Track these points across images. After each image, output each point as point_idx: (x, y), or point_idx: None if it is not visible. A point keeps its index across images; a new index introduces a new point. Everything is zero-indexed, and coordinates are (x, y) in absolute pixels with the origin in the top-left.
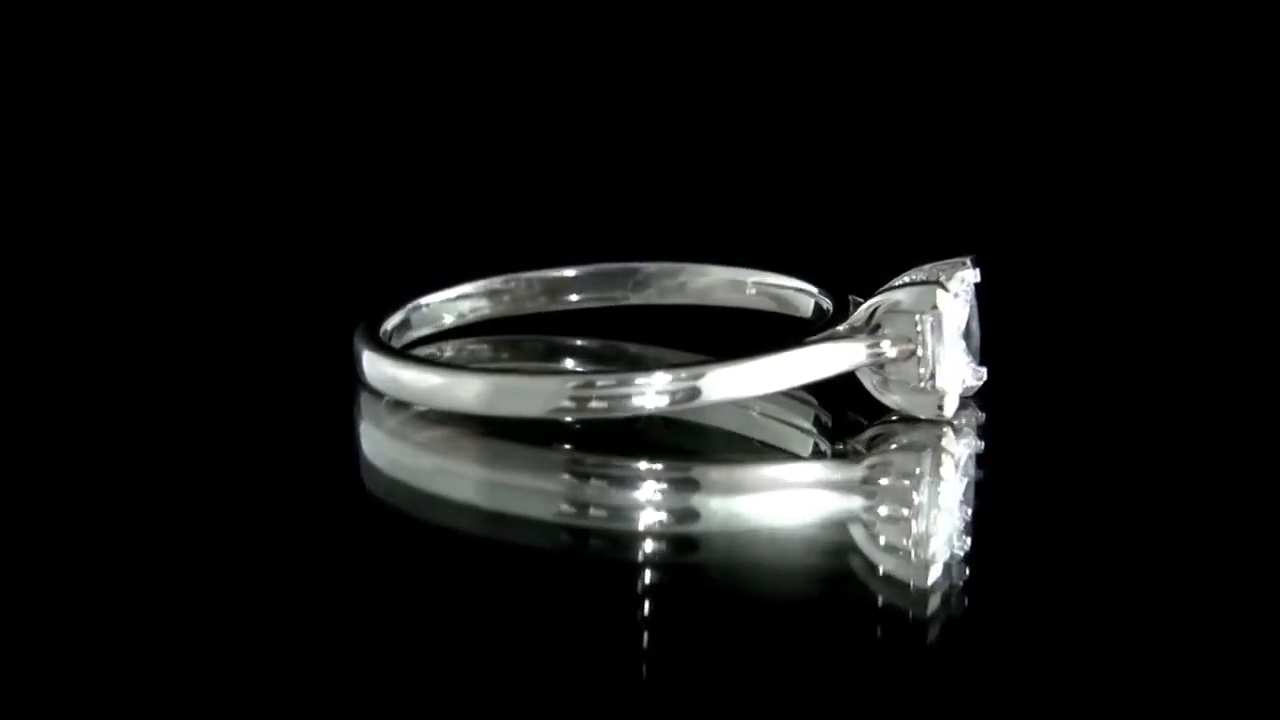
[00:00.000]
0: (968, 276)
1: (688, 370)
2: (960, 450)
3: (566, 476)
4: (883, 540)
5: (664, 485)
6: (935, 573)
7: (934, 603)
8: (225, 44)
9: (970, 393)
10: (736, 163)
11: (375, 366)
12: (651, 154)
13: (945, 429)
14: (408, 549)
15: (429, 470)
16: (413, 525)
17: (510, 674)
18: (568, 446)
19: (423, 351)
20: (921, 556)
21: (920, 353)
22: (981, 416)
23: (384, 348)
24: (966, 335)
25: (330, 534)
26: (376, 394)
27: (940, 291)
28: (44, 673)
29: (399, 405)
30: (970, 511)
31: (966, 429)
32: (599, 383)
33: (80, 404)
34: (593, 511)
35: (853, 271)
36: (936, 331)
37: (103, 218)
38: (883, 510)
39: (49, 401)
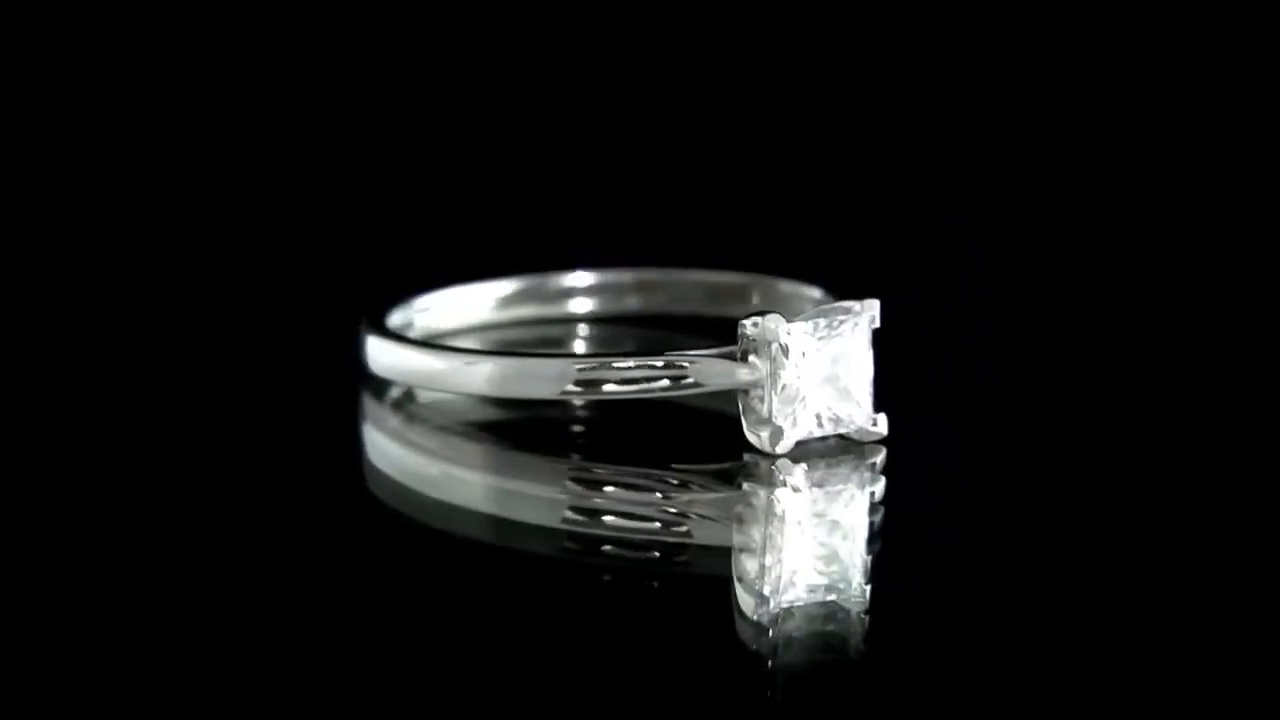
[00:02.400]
0: (859, 320)
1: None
2: (842, 493)
3: (572, 483)
4: (741, 569)
5: (667, 492)
6: (765, 610)
7: (763, 640)
8: (229, 44)
9: (868, 438)
10: (735, 164)
11: (385, 353)
12: (651, 156)
13: (853, 471)
14: (412, 555)
15: (434, 476)
16: (417, 531)
17: (513, 683)
18: (575, 453)
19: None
20: (758, 589)
21: (767, 384)
22: (879, 463)
23: (391, 334)
24: (851, 379)
25: (334, 540)
26: (381, 394)
27: (784, 324)
28: (42, 675)
29: (406, 412)
30: (863, 559)
31: (858, 474)
32: (614, 364)
33: (82, 416)
34: (599, 518)
35: (851, 273)
36: (782, 364)
37: (104, 219)
38: (744, 539)
39: (48, 403)
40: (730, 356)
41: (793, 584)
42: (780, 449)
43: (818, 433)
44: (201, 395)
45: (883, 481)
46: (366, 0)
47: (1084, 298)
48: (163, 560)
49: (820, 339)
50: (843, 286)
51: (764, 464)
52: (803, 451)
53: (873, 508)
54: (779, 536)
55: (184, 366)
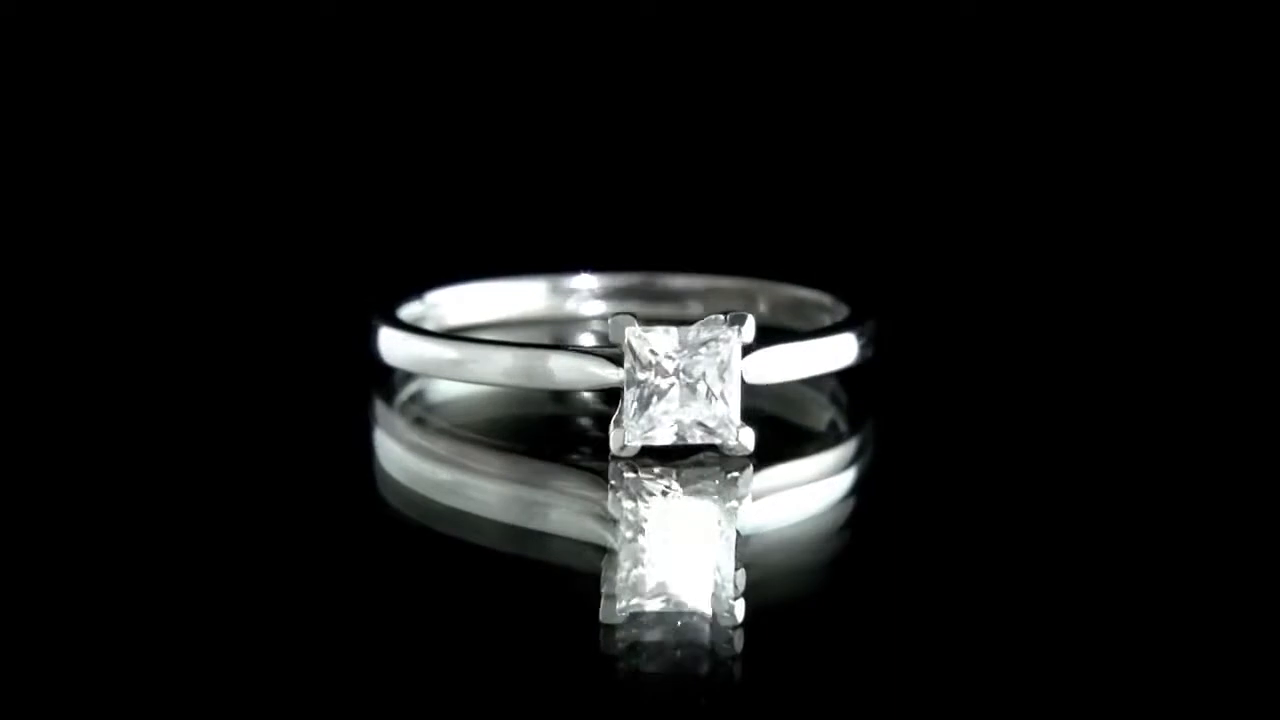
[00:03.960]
0: (729, 335)
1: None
2: (696, 506)
3: (586, 490)
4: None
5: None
6: (612, 613)
7: (611, 642)
8: (240, 46)
9: (735, 452)
10: (736, 167)
11: (399, 344)
12: (652, 159)
13: (714, 481)
14: (424, 563)
15: (446, 483)
16: (429, 538)
17: (525, 691)
18: (586, 451)
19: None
20: (605, 590)
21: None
22: (744, 475)
23: (406, 326)
24: (718, 391)
25: (345, 548)
26: (391, 398)
27: (634, 327)
28: (44, 681)
29: (413, 415)
30: (714, 572)
31: (718, 485)
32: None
33: (93, 427)
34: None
35: (852, 277)
36: (634, 367)
37: (110, 223)
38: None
39: (52, 406)
40: (615, 359)
41: (639, 589)
42: (623, 452)
43: (686, 440)
44: (210, 397)
45: (750, 495)
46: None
47: (1084, 301)
48: (171, 569)
49: (684, 348)
50: (852, 294)
51: (636, 468)
52: (670, 459)
53: (732, 517)
54: (626, 541)
55: (192, 374)
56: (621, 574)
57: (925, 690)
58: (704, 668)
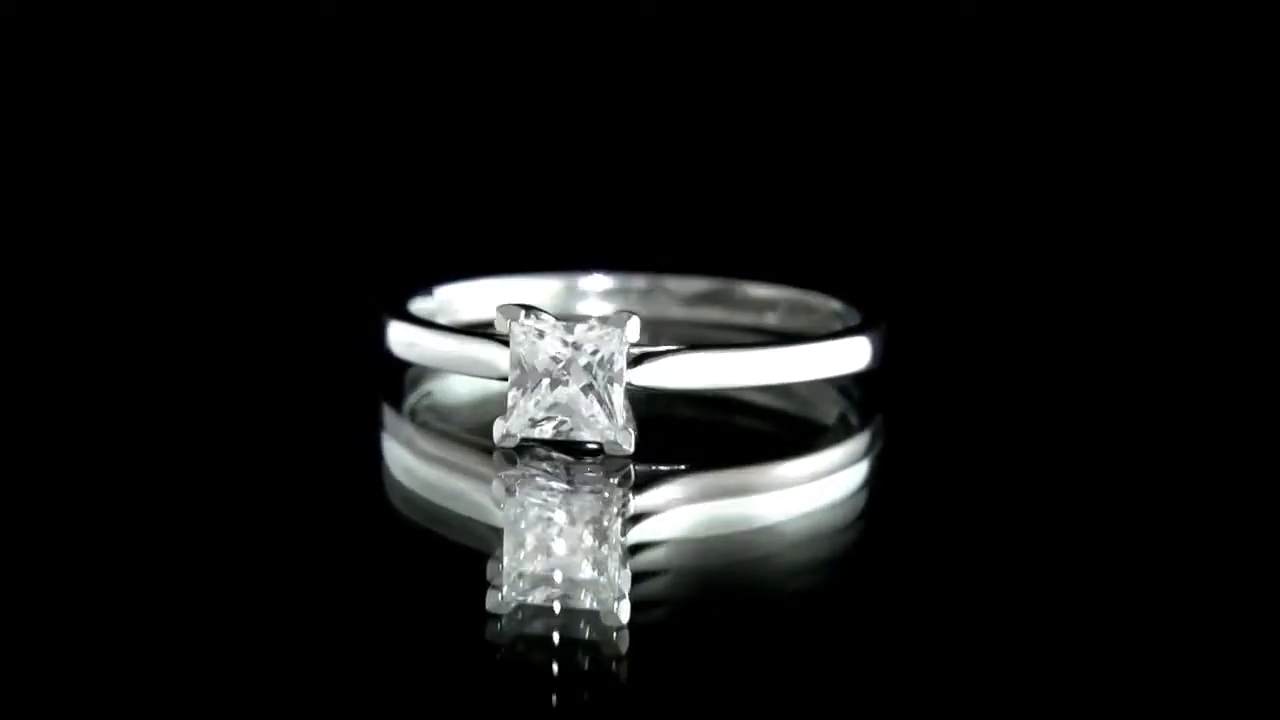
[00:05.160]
0: (611, 334)
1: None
2: (577, 501)
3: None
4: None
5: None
6: (496, 602)
7: (495, 629)
8: (246, 43)
9: (616, 451)
10: (737, 170)
11: (410, 337)
12: (655, 160)
13: (595, 478)
14: (430, 568)
15: (454, 489)
16: (436, 544)
17: (528, 692)
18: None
19: None
20: (491, 580)
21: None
22: (627, 474)
23: (416, 319)
24: (602, 391)
25: (352, 553)
26: (399, 403)
27: (513, 323)
28: (44, 689)
29: (420, 419)
30: (584, 569)
31: (603, 484)
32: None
33: (103, 424)
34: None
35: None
36: (516, 357)
37: (117, 222)
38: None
39: (55, 416)
40: (492, 339)
41: (526, 580)
42: (504, 443)
43: (568, 436)
44: (216, 396)
45: (631, 495)
46: (401, 4)
47: (1085, 305)
48: (177, 573)
49: (570, 344)
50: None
51: (518, 460)
52: (572, 454)
53: (617, 516)
54: (513, 532)
55: (198, 367)
56: (508, 564)
57: (914, 685)
58: (587, 664)
